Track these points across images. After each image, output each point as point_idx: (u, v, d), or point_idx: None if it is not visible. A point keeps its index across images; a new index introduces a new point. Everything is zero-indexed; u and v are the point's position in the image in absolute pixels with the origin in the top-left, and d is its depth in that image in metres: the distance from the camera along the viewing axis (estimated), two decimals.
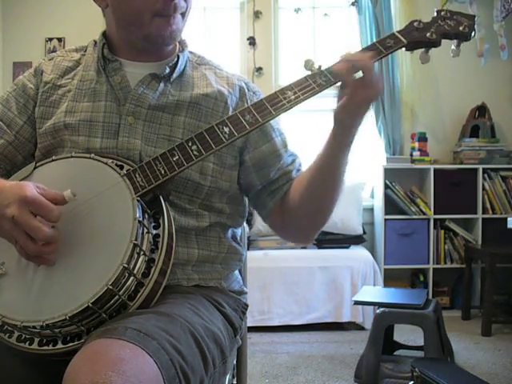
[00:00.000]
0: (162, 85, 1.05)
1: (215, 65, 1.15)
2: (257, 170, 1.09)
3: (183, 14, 1.03)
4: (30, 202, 0.81)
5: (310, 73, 0.94)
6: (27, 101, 1.07)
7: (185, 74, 1.09)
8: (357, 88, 0.89)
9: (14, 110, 1.06)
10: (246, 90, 1.12)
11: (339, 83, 0.93)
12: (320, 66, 0.94)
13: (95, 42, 1.11)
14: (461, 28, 0.98)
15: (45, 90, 1.07)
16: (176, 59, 1.07)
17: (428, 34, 0.98)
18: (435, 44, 0.99)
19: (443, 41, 1.01)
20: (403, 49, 0.98)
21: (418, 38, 0.98)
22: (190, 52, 1.14)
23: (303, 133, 4.12)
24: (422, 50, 1.00)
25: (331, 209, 1.04)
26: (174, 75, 1.07)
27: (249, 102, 1.09)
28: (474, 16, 1.00)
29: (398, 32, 0.98)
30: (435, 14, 1.01)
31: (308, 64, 0.94)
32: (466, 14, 1.01)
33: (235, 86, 1.11)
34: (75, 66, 1.09)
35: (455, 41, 1.01)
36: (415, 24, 0.99)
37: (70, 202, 0.86)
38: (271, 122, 1.02)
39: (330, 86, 0.93)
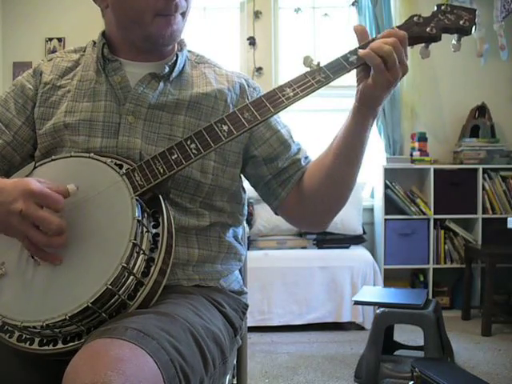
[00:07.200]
0: (161, 84, 1.05)
1: (214, 63, 1.15)
2: (267, 162, 1.09)
3: (183, 14, 1.03)
4: (35, 194, 0.82)
5: (308, 69, 0.93)
6: (26, 101, 1.07)
7: (184, 73, 1.09)
8: (377, 72, 0.89)
9: (12, 111, 1.06)
10: (246, 87, 1.12)
11: (336, 80, 0.93)
12: (319, 63, 0.93)
13: (94, 43, 1.11)
14: (461, 22, 0.97)
15: (44, 90, 1.07)
16: (175, 58, 1.08)
17: (428, 29, 0.97)
18: (435, 39, 0.98)
19: (443, 40, 1.00)
20: None
21: (418, 32, 0.97)
22: (189, 51, 1.15)
23: (303, 133, 4.12)
24: (422, 45, 0.99)
25: (352, 188, 1.05)
26: (174, 74, 1.07)
27: (249, 98, 1.10)
28: (475, 10, 0.98)
29: (398, 27, 0.97)
30: (435, 8, 0.99)
31: (307, 61, 0.93)
32: (466, 7, 0.99)
33: (235, 83, 1.11)
34: (74, 67, 1.09)
35: (456, 35, 1.00)
36: (415, 19, 0.98)
37: (70, 198, 0.86)
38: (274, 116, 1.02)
39: (329, 82, 0.92)
